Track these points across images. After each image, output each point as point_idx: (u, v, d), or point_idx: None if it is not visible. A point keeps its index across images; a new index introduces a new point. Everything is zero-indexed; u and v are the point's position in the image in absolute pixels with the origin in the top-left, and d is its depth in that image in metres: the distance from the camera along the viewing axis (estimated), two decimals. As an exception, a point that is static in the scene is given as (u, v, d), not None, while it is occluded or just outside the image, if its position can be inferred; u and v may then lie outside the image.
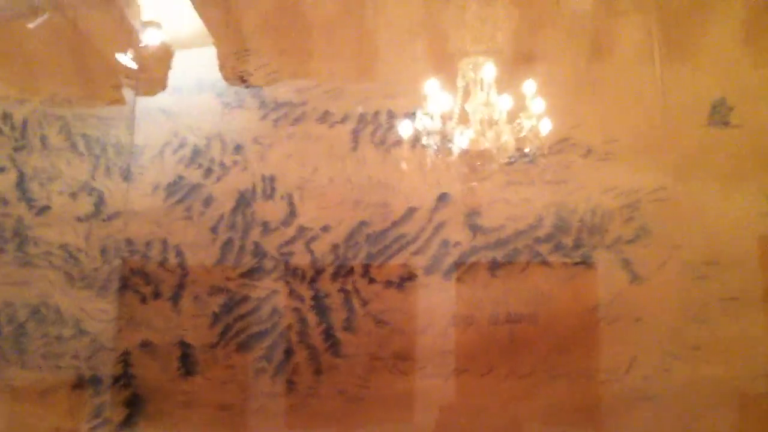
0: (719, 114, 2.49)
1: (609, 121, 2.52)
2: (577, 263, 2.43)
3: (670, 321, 2.36)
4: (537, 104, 2.22)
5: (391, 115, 2.58)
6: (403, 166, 2.42)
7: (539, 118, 2.21)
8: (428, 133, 2.23)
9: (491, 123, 2.23)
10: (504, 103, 2.24)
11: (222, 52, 2.64)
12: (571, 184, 2.48)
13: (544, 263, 2.41)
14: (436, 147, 2.24)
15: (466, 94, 2.30)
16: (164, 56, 2.62)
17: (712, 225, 2.43)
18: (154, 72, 2.62)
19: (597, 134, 2.51)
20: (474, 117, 2.24)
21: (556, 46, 2.58)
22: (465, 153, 2.26)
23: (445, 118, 2.27)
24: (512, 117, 2.25)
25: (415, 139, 2.36)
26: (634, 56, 2.56)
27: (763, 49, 2.52)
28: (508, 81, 2.31)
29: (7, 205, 2.47)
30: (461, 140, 2.22)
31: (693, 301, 2.37)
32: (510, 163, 2.34)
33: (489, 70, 2.24)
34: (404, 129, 2.28)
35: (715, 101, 2.52)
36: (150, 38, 2.57)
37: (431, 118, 2.20)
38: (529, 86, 2.24)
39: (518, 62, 2.55)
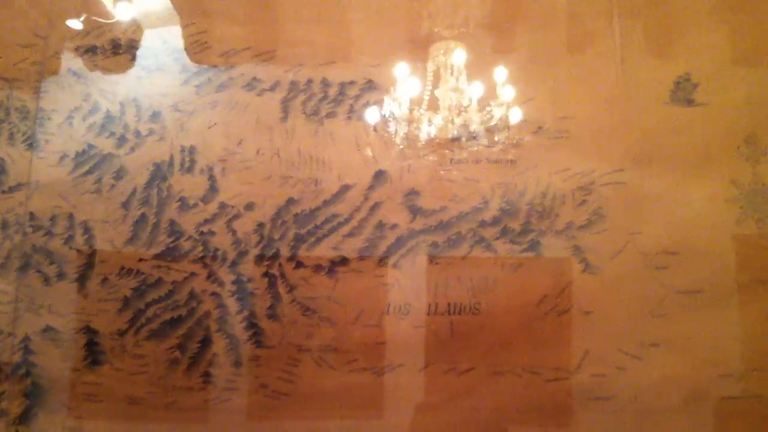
0: (683, 91, 2.33)
1: (562, 96, 2.35)
2: (524, 250, 2.29)
3: (625, 315, 2.23)
4: (508, 92, 2.08)
5: (326, 84, 2.40)
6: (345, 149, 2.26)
7: (509, 107, 2.08)
8: (396, 119, 2.08)
9: (460, 110, 2.09)
10: (474, 89, 2.10)
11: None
12: (520, 164, 2.32)
13: (489, 249, 2.28)
14: (403, 134, 2.10)
15: (436, 79, 2.15)
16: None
17: (673, 211, 2.29)
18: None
19: (549, 110, 2.35)
20: (443, 103, 2.09)
21: (508, 18, 2.41)
22: (433, 140, 2.11)
23: (414, 103, 2.12)
24: (482, 105, 2.11)
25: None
26: (591, 26, 2.38)
27: (734, 21, 2.35)
28: (477, 67, 2.15)
29: None
30: (429, 127, 2.08)
31: (651, 294, 2.23)
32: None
33: (459, 55, 2.10)
34: (371, 115, 2.14)
35: (679, 77, 2.35)
36: None
37: (399, 103, 2.06)
38: (501, 73, 2.10)
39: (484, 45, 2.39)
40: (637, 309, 2.16)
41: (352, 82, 2.36)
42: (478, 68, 2.09)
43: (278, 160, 2.33)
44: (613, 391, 2.12)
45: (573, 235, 2.19)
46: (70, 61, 2.42)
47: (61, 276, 2.26)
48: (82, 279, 2.27)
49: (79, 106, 2.40)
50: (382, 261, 2.22)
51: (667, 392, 2.11)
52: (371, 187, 2.28)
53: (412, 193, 2.26)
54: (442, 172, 2.25)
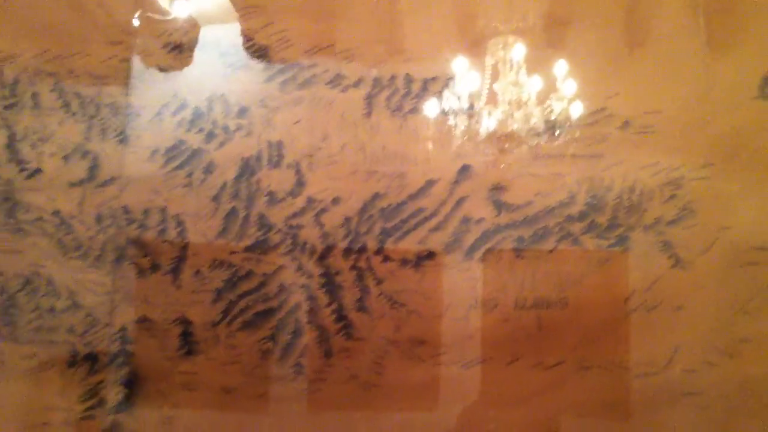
0: (772, 87, 2.37)
1: (650, 91, 2.42)
2: (612, 245, 2.37)
3: (715, 311, 2.27)
4: (568, 86, 2.16)
5: (409, 80, 2.50)
6: (429, 145, 2.36)
7: (570, 101, 2.16)
8: (455, 113, 2.17)
9: (520, 104, 2.17)
10: (533, 83, 2.18)
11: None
12: (607, 158, 2.40)
13: (576, 244, 2.36)
14: (463, 127, 2.19)
15: (495, 73, 2.24)
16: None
17: (763, 207, 2.35)
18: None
19: (636, 105, 2.42)
20: (503, 97, 2.18)
21: (592, 11, 2.48)
22: (493, 134, 2.20)
23: (473, 97, 2.21)
24: (543, 98, 2.19)
25: (441, 115, 2.31)
26: (676, 23, 2.45)
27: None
28: (538, 61, 2.24)
29: None
30: (489, 121, 2.17)
31: (742, 290, 2.28)
32: (538, 134, 2.28)
33: (519, 50, 2.19)
34: (430, 108, 2.24)
35: (767, 74, 2.41)
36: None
37: (458, 97, 2.15)
38: (561, 67, 2.18)
39: (551, 39, 2.46)
40: (727, 305, 2.20)
41: (434, 78, 2.45)
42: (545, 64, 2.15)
43: (363, 155, 2.43)
44: (702, 387, 2.17)
45: (662, 230, 2.25)
46: (159, 59, 2.56)
47: (155, 268, 2.40)
48: (175, 271, 2.40)
49: (167, 102, 2.53)
50: (468, 255, 2.31)
51: (758, 390, 2.17)
52: (456, 182, 2.37)
53: (498, 188, 2.35)
54: (526, 167, 2.34)
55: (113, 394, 2.18)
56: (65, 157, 2.36)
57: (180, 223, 2.33)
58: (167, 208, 2.34)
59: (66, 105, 2.42)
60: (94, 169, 2.37)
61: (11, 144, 2.37)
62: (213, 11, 2.45)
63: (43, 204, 2.34)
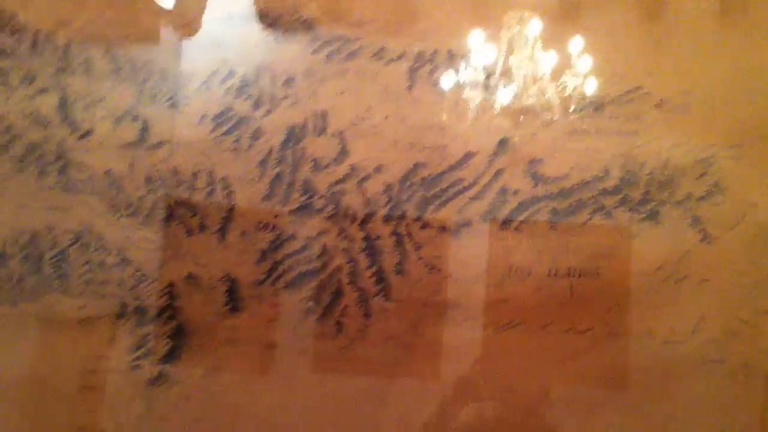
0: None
1: (683, 71, 2.55)
2: (643, 219, 2.49)
3: (740, 283, 2.38)
4: (583, 62, 2.26)
5: (451, 55, 2.63)
6: (469, 119, 2.46)
7: (585, 77, 2.27)
8: (471, 86, 2.29)
9: (535, 79, 2.29)
10: (549, 59, 2.29)
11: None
12: (642, 135, 2.53)
13: (609, 217, 2.48)
14: (478, 100, 2.31)
15: (510, 48, 2.35)
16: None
17: (791, 185, 2.46)
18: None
19: (671, 85, 2.55)
20: (518, 72, 2.29)
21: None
22: (507, 108, 2.32)
23: (488, 71, 2.32)
24: (558, 74, 2.30)
25: (458, 90, 2.42)
26: (710, 2, 2.56)
27: None
28: (554, 36, 2.35)
29: (49, 127, 2.57)
30: (504, 95, 2.28)
31: (765, 265, 2.42)
32: (575, 111, 2.40)
33: (535, 26, 2.29)
34: (446, 80, 2.35)
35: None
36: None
37: (474, 70, 2.26)
38: (576, 43, 2.29)
39: (568, 15, 2.58)
40: (751, 279, 2.34)
41: (471, 53, 2.56)
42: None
43: (405, 126, 2.55)
44: (725, 355, 2.30)
45: (692, 206, 2.37)
46: (209, 27, 2.67)
47: (202, 228, 2.51)
48: (222, 231, 2.51)
49: (216, 69, 2.64)
50: (504, 225, 2.43)
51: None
52: (495, 155, 2.49)
53: (535, 161, 2.47)
54: (564, 142, 2.46)
55: (160, 346, 2.30)
56: (116, 120, 2.47)
57: (227, 186, 2.44)
58: (215, 171, 2.45)
59: (118, 70, 2.53)
60: (144, 132, 2.48)
61: (63, 106, 2.48)
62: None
63: (95, 164, 2.45)
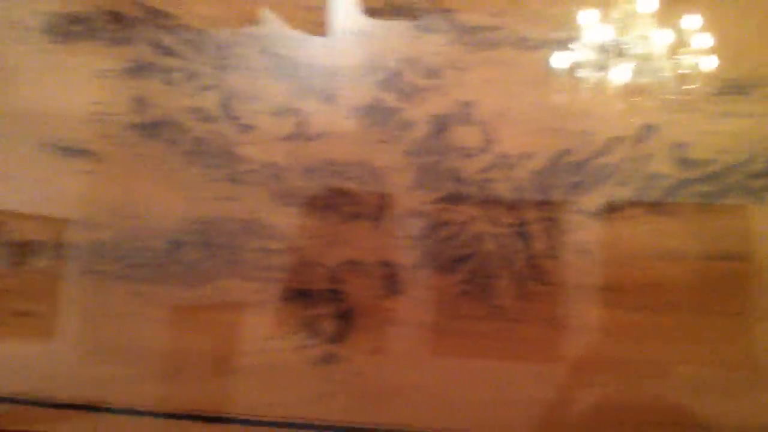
0: None
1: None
2: (795, 202, 2.52)
3: None
4: (701, 40, 2.26)
5: (589, 40, 2.69)
6: (614, 104, 2.52)
7: (703, 54, 2.27)
8: (585, 66, 2.34)
9: (649, 57, 2.31)
10: (664, 37, 2.29)
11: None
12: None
13: (761, 201, 2.53)
14: (593, 80, 2.37)
15: (624, 26, 2.39)
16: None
17: None
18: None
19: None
20: (632, 50, 2.33)
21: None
22: (623, 88, 2.37)
23: (602, 50, 2.37)
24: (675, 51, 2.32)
25: (601, 75, 2.49)
26: None
27: None
28: (672, 13, 2.37)
29: (214, 123, 2.78)
30: (618, 74, 2.32)
31: None
32: (719, 94, 2.44)
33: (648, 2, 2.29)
34: (559, 60, 2.40)
35: None
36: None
37: (588, 49, 2.31)
38: (692, 21, 2.27)
39: None
40: None
41: (614, 40, 2.63)
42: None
43: (550, 113, 2.64)
44: None
45: None
46: (357, 21, 2.81)
47: (359, 215, 2.69)
48: (377, 218, 2.68)
49: (365, 63, 2.78)
50: (653, 208, 2.51)
51: None
52: (640, 138, 2.56)
53: (681, 145, 2.53)
54: (708, 125, 2.50)
55: (326, 327, 2.50)
56: (275, 114, 2.66)
57: (380, 176, 2.60)
58: (367, 162, 2.61)
59: (274, 66, 2.71)
60: (301, 125, 2.66)
61: (226, 102, 2.68)
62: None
63: (257, 157, 2.65)
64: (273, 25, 2.53)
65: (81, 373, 2.45)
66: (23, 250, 2.37)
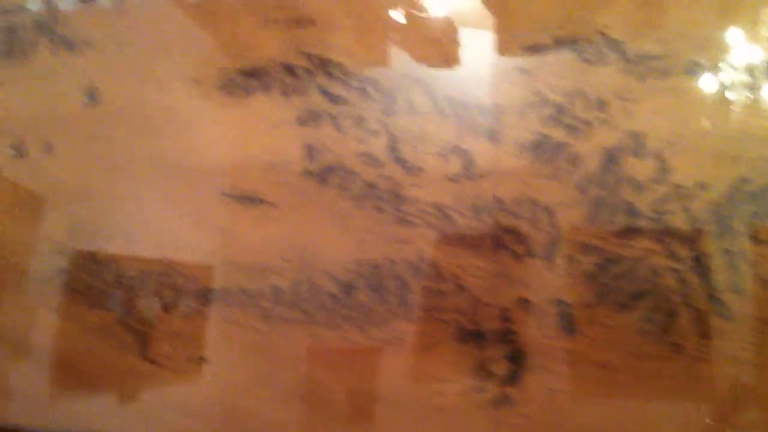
0: None
1: None
2: None
3: None
4: None
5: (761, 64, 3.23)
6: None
7: None
8: (735, 87, 2.86)
9: None
10: None
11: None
12: None
13: None
14: (744, 102, 2.87)
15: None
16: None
17: None
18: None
19: None
20: None
21: None
22: None
23: (752, 70, 2.87)
24: None
25: (743, 95, 3.03)
26: None
27: None
28: None
29: (382, 167, 3.71)
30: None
31: None
32: None
33: None
34: (706, 82, 2.93)
35: None
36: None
37: (736, 70, 2.83)
38: None
39: None
40: None
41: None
42: None
43: (724, 139, 3.25)
44: None
45: None
46: (518, 60, 3.66)
47: (530, 253, 3.44)
48: (549, 256, 3.41)
49: (530, 100, 3.60)
50: None
51: None
52: (831, 165, 3.09)
53: None
54: None
55: (500, 369, 3.24)
56: (442, 155, 3.51)
57: (550, 213, 3.34)
58: (537, 199, 3.40)
59: (438, 108, 3.63)
60: (468, 165, 3.49)
61: (392, 145, 3.62)
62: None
63: (425, 198, 3.51)
64: (435, 67, 3.48)
65: (260, 416, 2.89)
66: (201, 297, 2.88)
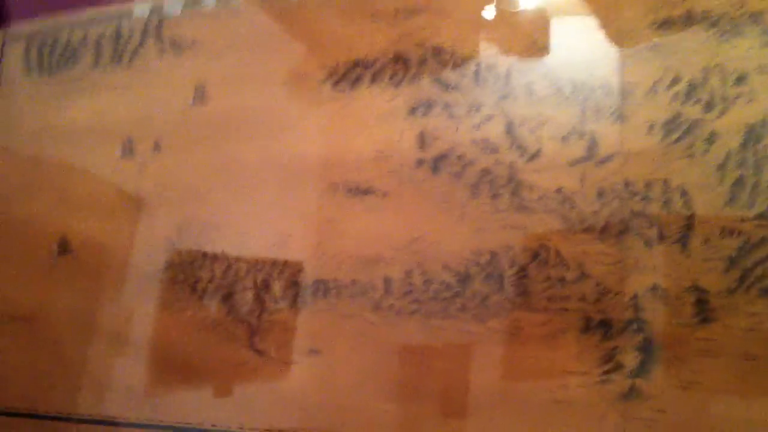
0: None
1: None
2: None
3: None
4: None
5: None
6: None
7: None
8: None
9: None
10: None
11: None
12: None
13: None
14: None
15: None
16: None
17: None
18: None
19: None
20: None
21: None
22: None
23: None
24: None
25: None
26: None
27: None
28: None
29: (498, 153, 3.57)
30: None
31: None
32: None
33: None
34: None
35: None
36: None
37: None
38: None
39: None
40: None
41: None
42: None
43: None
44: None
45: None
46: (648, 36, 3.47)
47: (662, 238, 3.19)
48: (683, 240, 3.16)
49: (660, 77, 3.39)
50: None
51: None
52: None
53: None
54: None
55: (629, 360, 3.00)
56: (563, 139, 3.34)
57: (684, 194, 3.11)
58: (669, 180, 3.17)
59: (559, 90, 3.46)
60: (592, 147, 3.30)
61: (510, 130, 3.47)
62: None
63: (546, 183, 3.35)
64: (554, 49, 3.34)
65: (366, 410, 2.87)
66: (312, 289, 2.98)
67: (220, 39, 3.13)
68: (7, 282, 3.23)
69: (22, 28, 3.67)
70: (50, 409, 3.13)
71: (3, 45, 3.52)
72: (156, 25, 3.23)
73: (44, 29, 3.55)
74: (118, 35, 3.31)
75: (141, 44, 3.25)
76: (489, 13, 3.01)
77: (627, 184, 3.09)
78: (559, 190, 3.16)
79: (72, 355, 3.10)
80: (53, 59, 3.53)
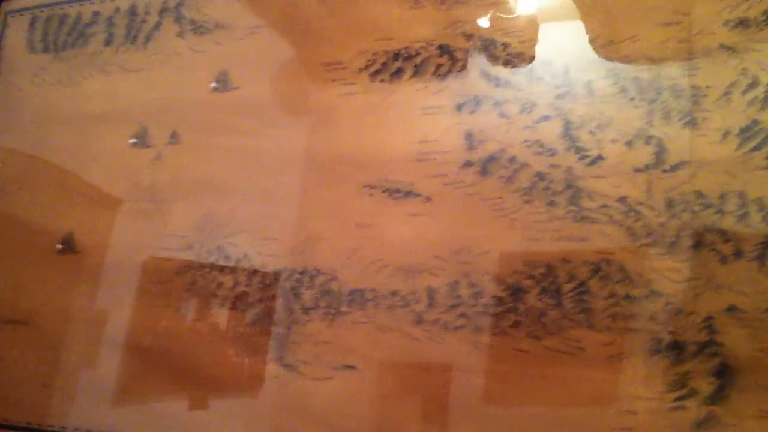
0: None
1: None
2: None
3: None
4: None
5: None
6: None
7: None
8: None
9: None
10: None
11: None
12: None
13: None
14: None
15: None
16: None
17: None
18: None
19: None
20: None
21: None
22: None
23: None
24: None
25: None
26: None
27: None
28: None
29: (555, 155, 3.32)
30: None
31: None
32: None
33: None
34: None
35: None
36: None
37: None
38: None
39: None
40: None
41: None
42: None
43: None
44: None
45: None
46: (721, 36, 3.26)
47: (738, 254, 2.98)
48: (762, 258, 2.99)
49: (735, 81, 3.14)
50: None
51: None
52: None
53: None
54: None
55: (704, 385, 2.79)
56: (627, 143, 3.10)
57: (762, 208, 2.91)
58: (746, 192, 2.96)
59: (623, 90, 3.23)
60: (660, 153, 3.06)
61: (567, 132, 3.23)
62: None
63: (608, 191, 3.11)
64: (622, 47, 3.10)
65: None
66: (347, 298, 2.77)
67: (247, 21, 2.80)
68: (7, 282, 2.86)
69: (25, 0, 3.27)
70: (49, 421, 2.84)
71: (4, 19, 3.11)
72: (176, 5, 2.87)
73: (51, 2, 3.17)
74: (133, 12, 2.94)
75: (158, 24, 2.89)
76: (545, 2, 2.66)
77: (699, 195, 2.91)
78: (622, 199, 2.98)
79: (73, 360, 2.75)
80: (60, 36, 3.15)
